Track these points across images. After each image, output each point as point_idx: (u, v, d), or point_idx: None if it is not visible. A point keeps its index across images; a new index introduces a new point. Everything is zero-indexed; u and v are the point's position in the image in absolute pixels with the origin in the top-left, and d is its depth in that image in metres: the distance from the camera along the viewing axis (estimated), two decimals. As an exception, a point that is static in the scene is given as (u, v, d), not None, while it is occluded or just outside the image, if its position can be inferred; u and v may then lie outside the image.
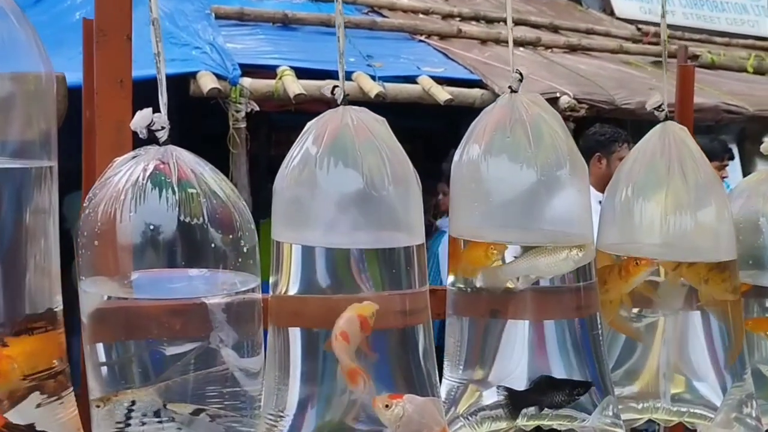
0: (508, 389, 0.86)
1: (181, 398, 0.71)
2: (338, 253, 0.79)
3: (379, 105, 3.96)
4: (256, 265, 0.79)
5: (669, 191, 0.89)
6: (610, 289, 0.93)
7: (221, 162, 4.00)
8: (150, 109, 0.75)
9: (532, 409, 0.87)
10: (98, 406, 0.69)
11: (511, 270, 0.87)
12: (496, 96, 0.88)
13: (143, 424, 0.69)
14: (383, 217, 0.78)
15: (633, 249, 0.93)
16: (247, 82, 3.95)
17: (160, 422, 0.70)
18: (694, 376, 0.93)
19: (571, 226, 0.87)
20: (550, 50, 5.52)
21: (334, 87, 0.84)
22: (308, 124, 0.84)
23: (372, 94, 3.93)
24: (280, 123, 4.67)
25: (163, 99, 0.76)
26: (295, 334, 0.80)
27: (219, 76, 3.88)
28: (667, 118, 0.95)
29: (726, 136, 4.64)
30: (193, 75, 3.87)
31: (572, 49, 5.62)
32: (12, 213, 0.68)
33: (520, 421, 0.87)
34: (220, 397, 0.76)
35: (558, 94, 4.40)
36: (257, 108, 3.99)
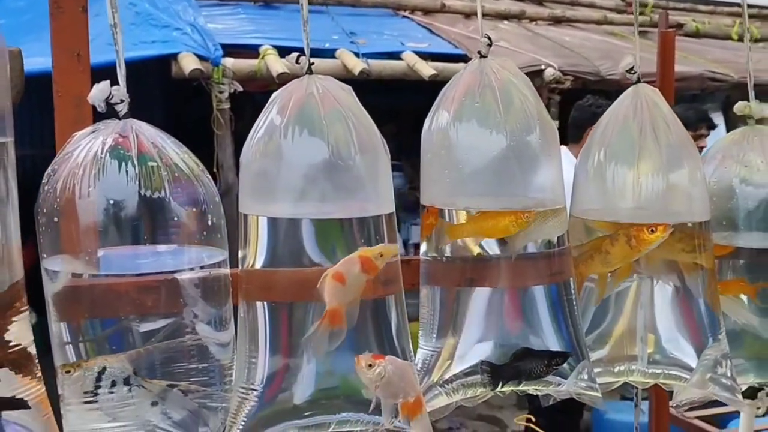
0: (489, 364, 0.85)
1: (151, 369, 0.71)
2: (306, 225, 0.77)
3: (363, 82, 3.94)
4: (223, 239, 0.78)
5: (641, 153, 0.88)
6: (613, 260, 0.91)
7: (206, 143, 3.97)
8: (107, 82, 0.74)
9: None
10: (68, 372, 0.68)
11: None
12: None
13: (112, 392, 0.68)
14: (351, 187, 0.77)
15: (606, 214, 0.92)
16: (229, 62, 3.91)
17: (129, 391, 0.69)
18: (670, 339, 0.92)
19: (542, 191, 0.86)
20: (534, 23, 5.50)
21: (299, 56, 0.82)
22: (273, 94, 0.82)
23: (356, 72, 3.90)
24: (264, 103, 4.63)
25: (121, 71, 0.75)
26: (264, 308, 0.79)
27: (201, 57, 3.84)
28: (638, 81, 0.94)
29: (711, 104, 4.64)
30: (174, 56, 3.83)
31: (557, 21, 5.59)
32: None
33: (498, 388, 0.86)
34: (190, 372, 0.75)
35: (543, 67, 4.38)
36: (240, 88, 3.95)
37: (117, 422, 0.70)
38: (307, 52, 0.82)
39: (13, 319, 0.69)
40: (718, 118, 4.29)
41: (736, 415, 2.03)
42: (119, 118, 0.74)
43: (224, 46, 3.97)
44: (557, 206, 0.86)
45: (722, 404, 1.04)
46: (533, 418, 1.39)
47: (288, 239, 0.78)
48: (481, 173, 0.84)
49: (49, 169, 0.73)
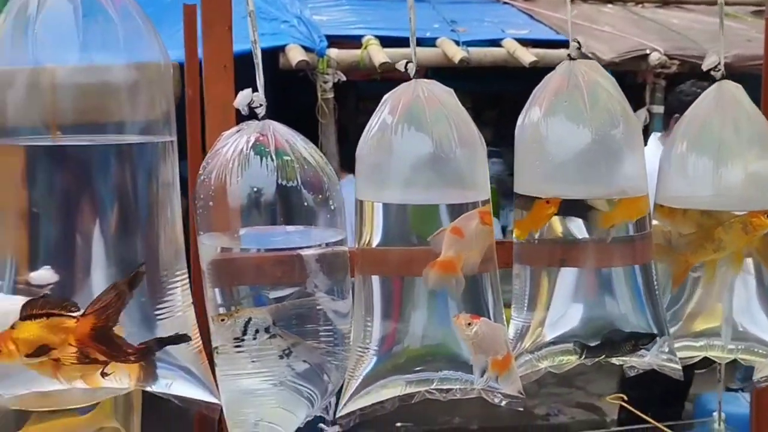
0: (581, 344, 0.96)
1: (286, 325, 0.85)
2: (413, 209, 0.90)
3: (464, 70, 4.01)
4: (342, 222, 0.92)
5: (721, 147, 0.95)
6: (727, 246, 0.98)
7: (310, 132, 4.17)
8: (250, 90, 0.89)
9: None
10: (222, 320, 0.84)
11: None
12: (584, 56, 0.96)
13: (255, 339, 0.84)
14: (452, 176, 0.89)
15: (688, 201, 1.00)
16: (333, 53, 4.08)
17: (269, 339, 0.84)
18: (750, 316, 0.99)
19: (626, 180, 0.95)
20: (641, 5, 5.37)
21: (407, 63, 0.95)
22: (384, 96, 0.95)
23: (456, 60, 3.98)
24: (366, 92, 4.79)
25: (260, 80, 0.89)
26: (377, 281, 0.92)
27: (307, 49, 4.03)
28: (723, 78, 1.00)
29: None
30: (281, 48, 4.04)
31: (665, 2, 5.44)
32: (144, 183, 0.82)
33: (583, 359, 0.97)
34: (316, 332, 0.90)
35: (648, 51, 4.30)
36: (344, 78, 4.12)
37: (257, 368, 0.85)
38: (413, 59, 0.94)
39: (176, 283, 0.85)
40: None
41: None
42: (258, 119, 0.89)
43: (328, 37, 4.14)
44: (639, 194, 0.95)
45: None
46: (625, 397, 1.47)
47: (397, 222, 0.91)
48: (569, 164, 0.94)
49: (204, 162, 0.88)
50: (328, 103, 4.12)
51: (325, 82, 4.10)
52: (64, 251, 0.79)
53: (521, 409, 0.92)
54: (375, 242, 0.92)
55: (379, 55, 3.91)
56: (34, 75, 0.79)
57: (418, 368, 0.89)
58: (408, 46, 0.93)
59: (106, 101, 0.81)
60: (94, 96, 0.81)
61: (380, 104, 0.94)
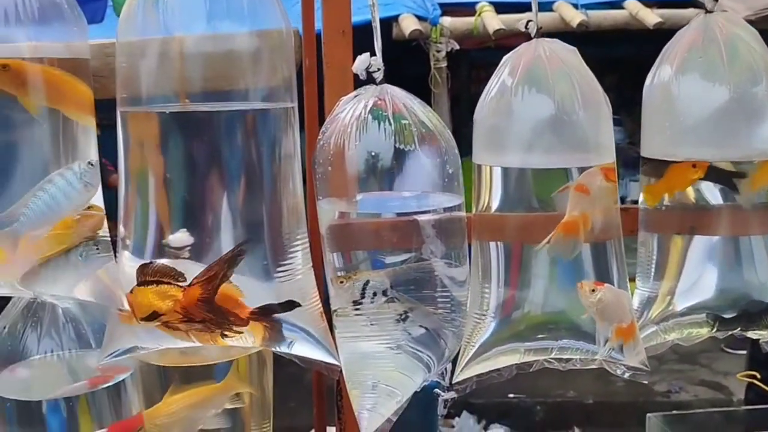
0: (715, 315, 0.90)
1: (403, 288, 0.86)
2: (534, 173, 0.87)
3: (582, 34, 3.86)
4: (459, 186, 0.91)
5: None
6: None
7: (424, 102, 4.15)
8: (368, 54, 0.88)
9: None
10: (341, 282, 0.85)
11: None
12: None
13: (373, 302, 0.84)
14: (574, 139, 0.86)
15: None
16: (447, 21, 4.03)
17: (386, 302, 0.85)
18: None
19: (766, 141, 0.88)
20: (777, -42, 4.96)
21: (528, 21, 0.91)
22: (504, 57, 0.92)
23: (574, 24, 3.83)
24: (479, 60, 4.71)
25: (378, 44, 0.89)
26: (495, 247, 0.91)
27: (420, 18, 4.00)
28: None
29: None
30: (395, 18, 4.04)
31: (806, -46, 4.99)
32: (267, 148, 0.85)
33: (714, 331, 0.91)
34: (433, 297, 0.89)
35: (786, 7, 3.98)
36: (457, 47, 4.07)
37: (374, 331, 0.86)
38: (535, 17, 0.91)
39: (297, 247, 0.87)
40: None
41: None
42: (376, 84, 0.89)
43: (441, 5, 4.09)
44: (782, 156, 0.88)
45: None
46: (757, 375, 1.39)
47: (517, 187, 0.88)
48: (703, 125, 0.88)
49: (323, 127, 0.89)
50: (441, 72, 4.09)
51: (438, 51, 4.07)
52: (197, 214, 0.83)
53: (645, 381, 0.88)
54: (493, 207, 0.90)
55: (494, 22, 3.83)
56: (164, 44, 0.82)
57: (537, 336, 0.87)
58: (524, 11, 0.90)
59: (231, 69, 0.83)
60: (219, 64, 0.83)
61: (500, 65, 0.91)
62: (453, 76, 4.21)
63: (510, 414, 3.82)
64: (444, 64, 4.10)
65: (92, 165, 0.79)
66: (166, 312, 0.79)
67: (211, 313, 0.80)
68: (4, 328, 0.91)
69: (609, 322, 0.82)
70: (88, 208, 0.78)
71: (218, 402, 0.94)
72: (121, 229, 0.83)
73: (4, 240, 0.74)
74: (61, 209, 0.76)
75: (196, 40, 0.83)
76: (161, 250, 0.83)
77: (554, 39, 0.90)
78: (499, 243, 0.90)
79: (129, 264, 0.82)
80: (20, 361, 0.91)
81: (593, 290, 0.81)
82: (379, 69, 0.88)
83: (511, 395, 3.93)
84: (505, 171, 0.89)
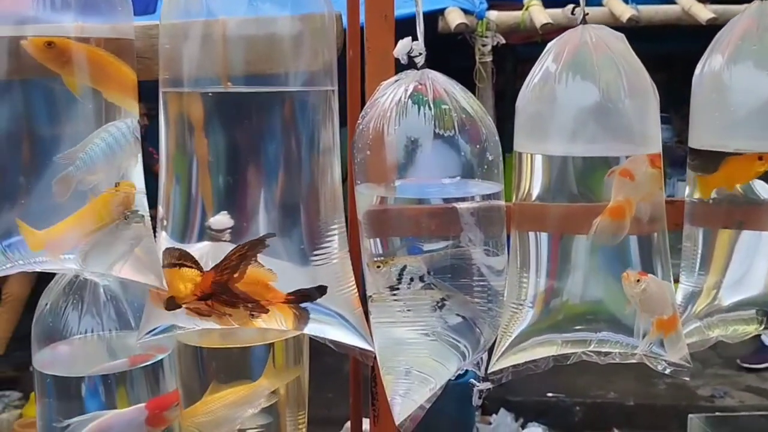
0: (765, 312, 0.87)
1: (440, 275, 0.85)
2: (576, 162, 0.85)
3: (632, 29, 3.78)
4: (499, 174, 0.89)
5: None
6: None
7: (468, 96, 4.11)
8: (409, 38, 0.88)
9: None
10: (378, 267, 0.85)
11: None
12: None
13: (409, 287, 0.84)
14: (619, 128, 0.84)
15: None
16: (493, 15, 3.99)
17: (423, 288, 0.84)
18: None
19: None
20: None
21: (574, 8, 0.89)
22: (549, 44, 0.90)
23: (624, 19, 3.75)
24: (525, 55, 4.66)
25: (420, 28, 0.88)
26: (534, 236, 0.89)
27: (466, 11, 3.97)
28: None
29: None
30: (441, 12, 4.01)
31: None
32: (307, 131, 0.84)
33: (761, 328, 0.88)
34: (470, 288, 0.88)
35: None
36: (503, 41, 4.03)
37: (410, 318, 0.86)
38: (582, 4, 0.89)
39: (334, 231, 0.87)
40: None
41: None
42: (417, 69, 0.88)
43: (488, -1, 4.06)
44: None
45: None
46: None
47: (558, 176, 0.87)
48: (755, 116, 0.85)
49: (363, 111, 0.89)
50: (486, 66, 4.05)
51: (484, 45, 4.03)
52: (236, 197, 0.83)
53: (686, 378, 0.85)
54: (533, 196, 0.88)
55: (541, 16, 3.78)
56: (207, 27, 0.82)
57: (575, 327, 0.86)
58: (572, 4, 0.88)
59: (272, 52, 0.83)
60: (261, 47, 0.83)
61: (544, 52, 0.90)
62: (498, 71, 4.16)
63: (548, 413, 3.77)
64: (489, 59, 4.06)
65: (138, 122, 0.81)
66: (185, 295, 0.80)
67: (226, 296, 0.80)
68: (47, 305, 0.93)
69: (651, 314, 0.80)
70: (118, 184, 0.79)
71: (257, 401, 0.94)
72: (160, 209, 0.84)
73: (61, 184, 0.76)
74: (115, 158, 0.78)
75: (238, 23, 0.83)
76: (200, 231, 0.83)
77: (601, 25, 0.87)
78: (538, 232, 0.88)
79: (166, 245, 0.82)
80: (61, 339, 0.93)
81: (638, 280, 0.79)
82: (420, 54, 0.88)
83: (550, 394, 3.88)
84: (547, 159, 0.87)
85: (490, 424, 3.60)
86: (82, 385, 0.93)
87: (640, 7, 3.93)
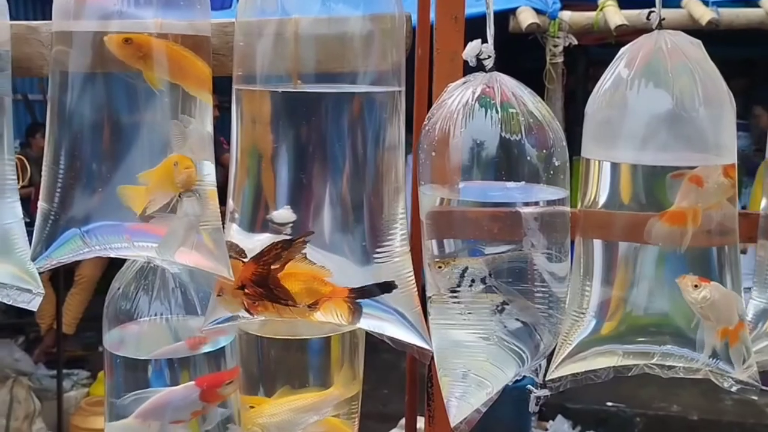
0: None
1: (502, 278, 0.84)
2: (646, 171, 0.84)
3: (708, 34, 3.66)
4: (565, 180, 0.88)
5: None
6: None
7: (537, 97, 4.05)
8: (479, 41, 0.87)
9: None
10: (439, 267, 0.85)
11: None
12: None
13: (470, 289, 0.84)
14: (692, 137, 0.81)
15: None
16: (566, 15, 3.92)
17: (484, 290, 0.84)
18: None
19: None
20: None
21: (650, 12, 0.87)
22: (621, 49, 0.89)
23: (703, 21, 3.64)
24: (598, 56, 4.56)
25: (490, 31, 0.88)
26: (600, 244, 0.88)
27: (538, 11, 3.91)
28: None
29: None
30: (512, 11, 3.97)
31: None
32: (374, 130, 0.85)
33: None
34: (531, 294, 0.88)
35: None
36: (575, 42, 3.96)
37: (469, 321, 0.86)
38: (658, 9, 0.87)
39: (396, 230, 0.88)
40: None
41: None
42: (485, 71, 0.88)
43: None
44: None
45: None
46: None
47: (627, 184, 0.85)
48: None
49: (429, 113, 0.89)
50: (556, 67, 3.99)
51: (555, 46, 3.97)
52: (301, 192, 0.85)
53: (755, 398, 0.83)
54: (600, 204, 0.87)
55: (616, 17, 3.69)
56: (280, 25, 0.84)
57: (638, 339, 0.84)
58: (647, 7, 0.86)
59: (342, 51, 0.84)
60: (332, 46, 0.85)
61: (616, 57, 0.88)
62: (569, 72, 4.09)
63: (607, 423, 3.70)
64: (560, 60, 3.99)
65: None
66: (225, 287, 0.82)
67: (262, 288, 0.81)
68: (119, 288, 0.97)
69: (715, 324, 0.77)
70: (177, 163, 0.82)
71: (325, 408, 0.95)
72: (230, 202, 0.87)
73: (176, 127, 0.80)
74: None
75: (310, 22, 0.84)
76: (265, 224, 0.85)
77: (677, 31, 0.85)
78: (604, 240, 0.87)
79: (236, 237, 0.85)
80: (131, 321, 0.97)
81: (696, 285, 0.77)
82: (489, 56, 0.87)
83: (610, 403, 3.80)
84: (615, 167, 0.85)
85: (546, 430, 3.56)
86: (148, 366, 0.97)
87: (721, 9, 3.80)
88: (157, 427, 0.94)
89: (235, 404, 1.00)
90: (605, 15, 3.81)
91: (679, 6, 3.79)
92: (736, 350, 0.78)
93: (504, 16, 3.86)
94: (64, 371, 3.58)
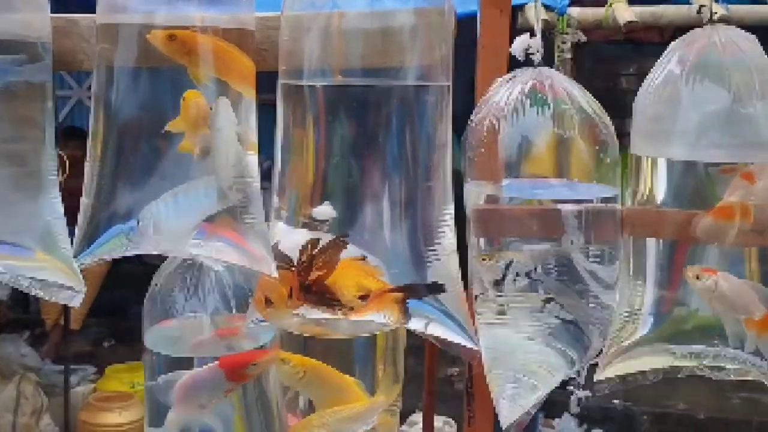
0: None
1: (547, 274, 0.83)
2: (700, 168, 0.82)
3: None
4: (615, 177, 0.87)
5: None
6: None
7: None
8: (527, 35, 0.86)
9: None
10: (484, 260, 0.84)
11: None
12: None
13: (515, 282, 0.82)
14: (750, 133, 0.80)
15: None
16: (575, 11, 3.90)
17: (529, 285, 0.82)
18: None
19: None
20: None
21: (701, 6, 0.86)
22: (671, 44, 0.87)
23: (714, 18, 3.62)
24: (605, 53, 4.53)
25: (537, 26, 0.86)
26: (651, 243, 0.86)
27: (547, 7, 3.88)
28: None
29: None
30: (521, 7, 3.94)
31: None
32: (420, 126, 0.83)
33: None
34: (578, 293, 0.86)
35: None
36: (584, 38, 3.93)
37: (515, 319, 0.84)
38: (709, 3, 0.85)
39: (445, 227, 0.86)
40: None
41: None
42: (534, 66, 0.86)
43: (571, -5, 3.97)
44: None
45: None
46: None
47: (680, 181, 0.83)
48: None
49: (476, 108, 0.88)
50: (565, 64, 3.94)
51: (564, 43, 3.93)
52: (342, 188, 0.83)
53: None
54: (652, 201, 0.85)
55: (626, 14, 3.66)
56: (327, 19, 0.82)
57: (690, 340, 0.83)
58: (661, 2, 0.85)
59: (389, 45, 0.83)
60: (379, 40, 0.83)
61: (665, 54, 0.86)
62: (577, 68, 4.07)
63: (613, 420, 3.69)
64: (569, 56, 3.96)
65: None
66: (269, 290, 0.81)
67: (311, 294, 0.80)
68: (157, 285, 0.95)
69: (733, 313, 0.76)
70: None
71: (371, 417, 0.94)
72: (275, 199, 0.85)
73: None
74: None
75: (356, 16, 0.82)
76: (306, 221, 0.84)
77: (731, 26, 0.84)
78: (656, 239, 0.85)
79: (281, 234, 0.83)
80: (169, 318, 0.95)
81: (698, 276, 0.75)
82: (538, 51, 0.86)
83: (616, 401, 3.80)
84: (668, 164, 0.84)
85: (553, 428, 3.55)
86: (184, 362, 0.95)
87: (731, 6, 3.78)
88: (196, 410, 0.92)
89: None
90: (614, 11, 3.78)
91: (687, 2, 3.77)
92: (766, 342, 0.77)
93: (512, 13, 3.84)
94: (71, 367, 3.56)
